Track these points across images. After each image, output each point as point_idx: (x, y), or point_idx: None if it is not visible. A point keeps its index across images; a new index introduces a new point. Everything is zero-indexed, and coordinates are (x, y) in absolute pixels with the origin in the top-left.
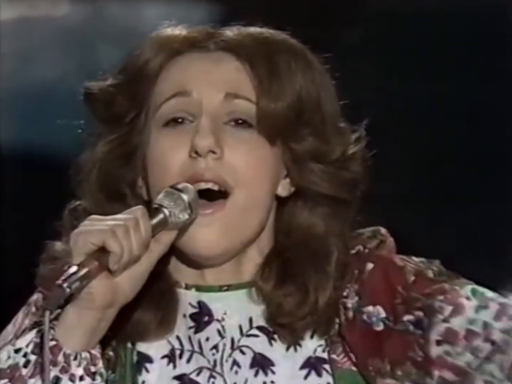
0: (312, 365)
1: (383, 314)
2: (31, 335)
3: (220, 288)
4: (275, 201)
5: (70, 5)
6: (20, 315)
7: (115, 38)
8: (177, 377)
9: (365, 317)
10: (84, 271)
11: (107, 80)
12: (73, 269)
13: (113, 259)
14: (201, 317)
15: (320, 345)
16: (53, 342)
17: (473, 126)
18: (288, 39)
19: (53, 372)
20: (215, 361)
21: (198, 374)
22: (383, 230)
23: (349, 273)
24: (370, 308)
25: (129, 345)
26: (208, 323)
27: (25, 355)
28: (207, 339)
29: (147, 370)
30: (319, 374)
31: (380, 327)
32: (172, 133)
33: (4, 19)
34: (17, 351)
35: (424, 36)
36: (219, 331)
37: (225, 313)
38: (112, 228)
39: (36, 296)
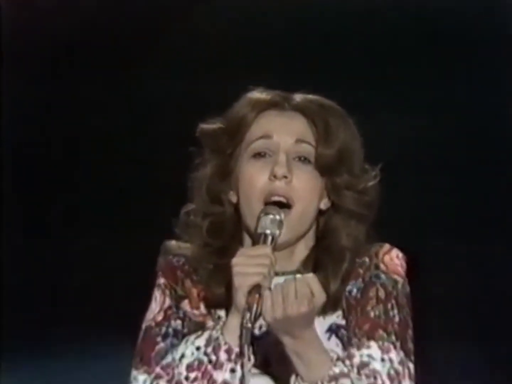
0: (333, 330)
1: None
2: (205, 336)
3: (276, 274)
4: (317, 212)
5: None
6: (157, 294)
7: None
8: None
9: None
10: (254, 308)
11: (215, 123)
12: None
13: (264, 288)
14: None
15: (338, 316)
16: (227, 346)
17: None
18: (335, 105)
19: (230, 365)
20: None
21: (259, 330)
22: (384, 248)
23: (353, 275)
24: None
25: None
26: None
27: (205, 353)
28: None
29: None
30: (338, 337)
31: None
32: (257, 163)
33: None
34: (197, 348)
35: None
36: None
37: None
38: (262, 272)
39: (162, 280)
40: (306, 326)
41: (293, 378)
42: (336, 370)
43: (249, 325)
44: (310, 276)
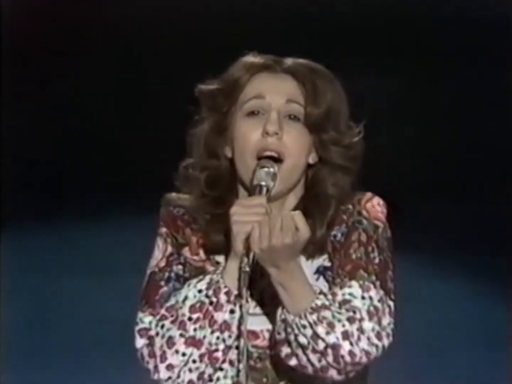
0: (321, 272)
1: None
2: (206, 280)
3: None
4: (306, 166)
5: None
6: (159, 242)
7: None
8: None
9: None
10: (251, 254)
11: (213, 84)
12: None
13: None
14: None
15: (325, 259)
16: (226, 289)
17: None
18: (323, 68)
19: (229, 306)
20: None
21: (253, 271)
22: (367, 196)
23: (338, 221)
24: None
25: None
26: None
27: (207, 296)
28: None
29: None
30: (325, 278)
31: None
32: (251, 120)
33: None
34: (199, 291)
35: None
36: None
37: None
38: (258, 220)
39: (164, 230)
40: (290, 258)
41: (279, 310)
42: (318, 302)
43: (247, 268)
44: (296, 212)
